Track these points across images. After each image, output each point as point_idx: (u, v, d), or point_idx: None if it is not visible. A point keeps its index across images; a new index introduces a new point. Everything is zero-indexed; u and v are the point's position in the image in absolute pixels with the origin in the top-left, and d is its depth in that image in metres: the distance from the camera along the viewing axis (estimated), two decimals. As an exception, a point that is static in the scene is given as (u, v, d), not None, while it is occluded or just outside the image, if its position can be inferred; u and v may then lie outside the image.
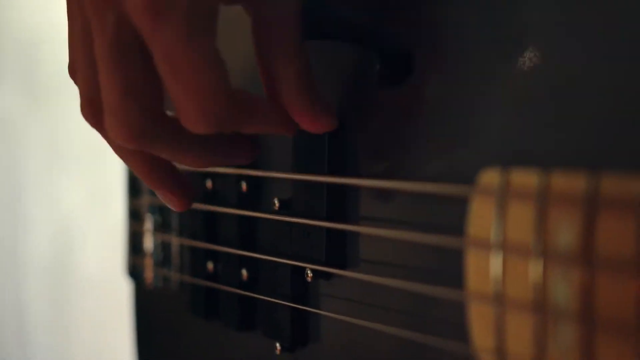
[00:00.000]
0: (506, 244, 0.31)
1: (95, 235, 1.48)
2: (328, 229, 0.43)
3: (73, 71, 0.43)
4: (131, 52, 0.37)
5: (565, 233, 0.29)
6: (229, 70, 0.37)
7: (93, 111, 0.41)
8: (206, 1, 0.36)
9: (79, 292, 1.56)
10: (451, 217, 0.35)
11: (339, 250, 0.43)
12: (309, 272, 0.45)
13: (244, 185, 0.51)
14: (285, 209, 0.47)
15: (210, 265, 0.55)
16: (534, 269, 0.30)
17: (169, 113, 0.39)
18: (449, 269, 0.35)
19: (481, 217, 0.32)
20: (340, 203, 0.43)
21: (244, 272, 0.51)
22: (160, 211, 0.62)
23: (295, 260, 0.46)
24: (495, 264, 0.32)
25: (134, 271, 0.66)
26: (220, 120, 0.37)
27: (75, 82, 0.43)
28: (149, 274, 0.63)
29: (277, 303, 0.48)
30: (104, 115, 0.39)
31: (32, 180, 1.71)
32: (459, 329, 0.34)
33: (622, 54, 0.30)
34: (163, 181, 0.44)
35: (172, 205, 0.45)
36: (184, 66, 0.36)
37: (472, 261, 0.33)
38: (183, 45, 0.35)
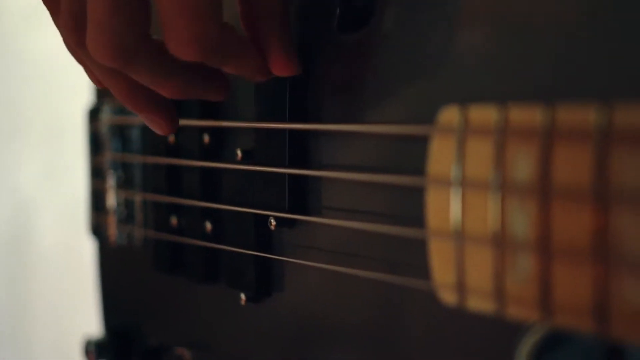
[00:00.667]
0: (466, 180, 0.32)
1: (52, 209, 1.46)
2: (290, 176, 0.43)
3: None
4: None
5: (523, 165, 0.30)
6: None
7: (75, 27, 0.40)
8: None
9: (38, 266, 1.55)
10: (414, 159, 0.36)
11: (302, 197, 0.44)
12: (272, 220, 0.45)
13: (206, 138, 0.51)
14: (248, 159, 0.47)
15: (174, 220, 0.55)
16: (493, 203, 0.31)
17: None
18: (414, 210, 0.36)
19: (441, 155, 0.33)
20: (302, 150, 0.43)
21: (208, 225, 0.51)
22: (123, 167, 0.61)
23: (258, 209, 0.46)
24: (455, 200, 0.32)
25: (97, 229, 0.66)
26: (209, 45, 0.36)
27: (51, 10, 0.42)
28: (112, 231, 0.63)
29: (240, 253, 0.48)
30: (88, 30, 0.38)
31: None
32: (422, 269, 0.35)
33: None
34: (146, 103, 0.43)
35: (157, 128, 0.44)
36: None
37: (432, 199, 0.34)
38: None
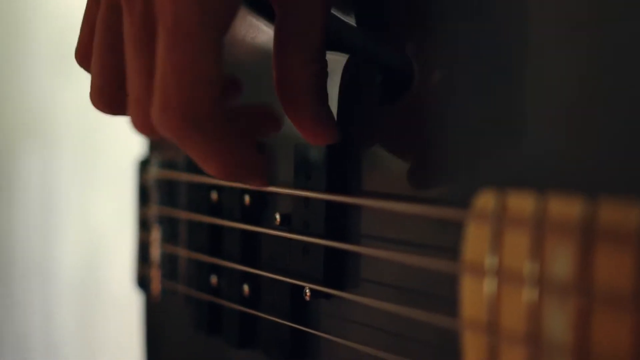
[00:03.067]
0: (501, 271, 0.29)
1: (125, 251, 1.47)
2: (327, 247, 0.41)
3: (83, 55, 0.41)
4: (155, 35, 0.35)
5: (562, 262, 0.27)
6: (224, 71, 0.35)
7: (105, 99, 0.39)
8: None
9: (107, 307, 1.55)
10: (453, 239, 0.33)
11: (338, 268, 0.42)
12: (307, 290, 0.43)
13: (247, 199, 0.49)
14: (285, 224, 0.45)
15: (214, 280, 0.53)
16: (529, 299, 0.28)
17: None
18: (450, 293, 0.34)
19: (477, 242, 0.31)
20: (339, 220, 0.41)
21: (246, 288, 0.50)
22: (169, 222, 0.60)
23: (294, 278, 0.44)
24: (490, 291, 0.30)
25: (143, 281, 0.65)
26: (195, 116, 0.34)
27: (85, 67, 0.41)
28: (156, 285, 0.62)
29: (276, 321, 0.46)
30: (128, 103, 0.37)
31: (64, 195, 1.71)
32: (455, 357, 0.33)
33: (630, 75, 0.28)
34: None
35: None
36: (186, 40, 0.33)
37: (467, 288, 0.31)
38: (195, 13, 0.33)
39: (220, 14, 0.35)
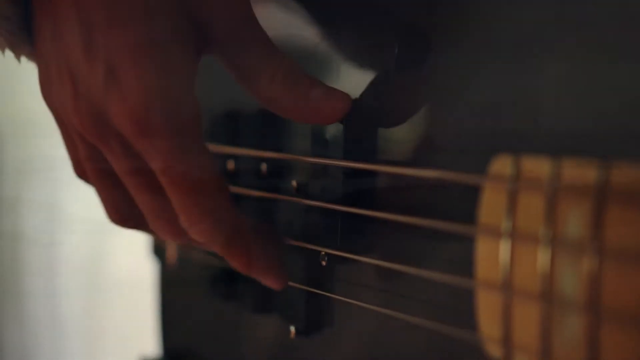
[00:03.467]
0: (516, 232, 0.31)
1: (131, 235, 1.48)
2: (343, 213, 0.43)
3: (82, 172, 0.44)
4: (144, 170, 0.39)
5: (575, 223, 0.29)
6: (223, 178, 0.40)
7: (121, 218, 0.44)
8: (186, 106, 0.38)
9: (112, 289, 1.56)
10: (469, 205, 0.35)
11: (354, 234, 0.43)
12: (324, 256, 0.44)
13: (264, 167, 0.51)
14: (302, 191, 0.46)
15: (230, 246, 0.55)
16: (542, 258, 0.30)
17: None
18: (463, 258, 0.35)
19: (492, 206, 0.32)
20: (356, 188, 0.43)
21: (262, 254, 0.51)
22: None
23: (311, 243, 0.45)
24: (505, 252, 0.31)
25: (158, 249, 0.66)
26: (222, 226, 0.41)
27: (86, 181, 0.44)
28: (171, 252, 0.63)
29: (292, 286, 0.48)
30: (149, 222, 0.42)
31: (69, 178, 1.71)
32: (469, 317, 0.34)
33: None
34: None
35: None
36: (181, 175, 0.38)
37: (482, 249, 0.33)
38: (175, 152, 0.37)
39: (198, 142, 0.39)
